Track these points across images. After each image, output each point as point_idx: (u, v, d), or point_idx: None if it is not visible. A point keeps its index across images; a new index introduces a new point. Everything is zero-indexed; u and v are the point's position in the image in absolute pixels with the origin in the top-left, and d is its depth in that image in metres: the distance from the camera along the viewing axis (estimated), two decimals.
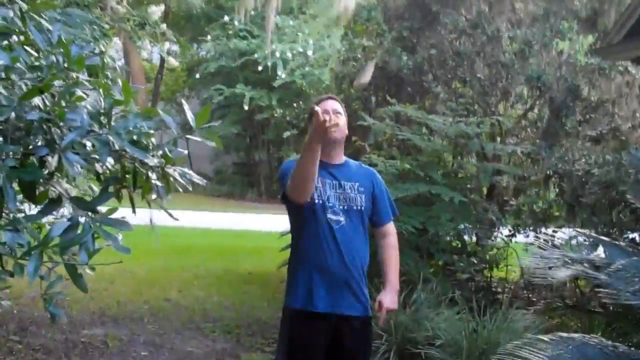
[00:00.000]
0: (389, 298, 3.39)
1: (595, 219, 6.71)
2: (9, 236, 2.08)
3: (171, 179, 2.42)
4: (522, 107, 9.12)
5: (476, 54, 8.72)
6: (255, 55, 22.50)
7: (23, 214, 2.70)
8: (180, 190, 2.54)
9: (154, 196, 2.51)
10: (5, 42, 2.57)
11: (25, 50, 2.44)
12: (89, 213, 2.14)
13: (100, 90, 2.38)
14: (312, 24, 19.71)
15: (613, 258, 4.27)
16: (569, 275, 4.51)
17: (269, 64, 21.76)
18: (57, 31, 2.46)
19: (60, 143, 2.12)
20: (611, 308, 5.34)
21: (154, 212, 2.69)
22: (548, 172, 7.76)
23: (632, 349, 3.84)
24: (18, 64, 2.27)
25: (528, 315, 5.73)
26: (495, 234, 7.65)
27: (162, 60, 24.42)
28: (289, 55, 22.31)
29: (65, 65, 2.27)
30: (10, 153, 2.09)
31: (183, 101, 2.80)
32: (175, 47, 25.64)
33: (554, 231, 7.02)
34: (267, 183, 24.35)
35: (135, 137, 2.27)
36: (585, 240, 5.67)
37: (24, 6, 2.64)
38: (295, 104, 22.57)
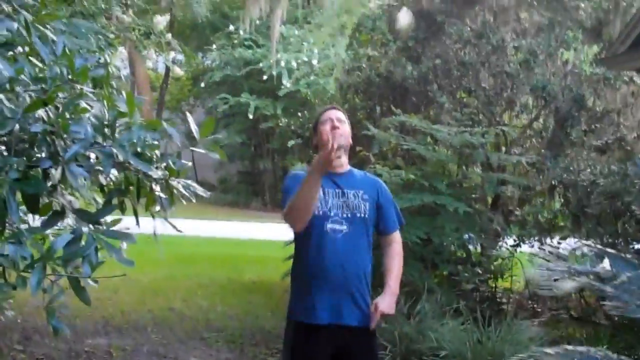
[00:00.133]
0: (386, 302, 3.36)
1: (600, 230, 6.68)
2: (12, 249, 2.07)
3: (175, 191, 2.41)
4: (527, 117, 9.10)
5: (481, 64, 8.71)
6: (260, 65, 22.55)
7: (27, 225, 2.69)
8: (184, 202, 2.53)
9: (157, 208, 2.51)
10: (10, 53, 2.57)
11: (30, 62, 2.44)
12: (92, 225, 2.14)
13: (105, 101, 2.38)
14: (317, 33, 19.72)
15: (619, 270, 4.24)
16: (574, 287, 4.49)
17: (274, 73, 21.79)
18: (62, 42, 2.46)
19: (64, 155, 2.12)
20: (616, 320, 5.31)
21: (157, 221, 2.69)
22: (553, 182, 7.73)
23: None
24: (22, 76, 2.27)
25: (533, 327, 5.71)
26: (500, 244, 7.62)
27: (167, 69, 24.56)
28: (294, 64, 22.36)
29: (70, 77, 2.27)
30: (14, 165, 2.09)
31: (187, 113, 2.79)
32: (181, 56, 25.68)
33: (558, 242, 7.00)
34: (271, 192, 24.34)
35: (139, 149, 2.26)
36: (590, 251, 5.65)
37: (29, 17, 2.64)
38: (300, 113, 22.57)
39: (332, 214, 3.34)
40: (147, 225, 2.62)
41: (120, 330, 6.79)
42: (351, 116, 3.84)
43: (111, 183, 2.51)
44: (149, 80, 24.96)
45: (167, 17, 13.17)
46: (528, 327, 5.62)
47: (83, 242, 2.12)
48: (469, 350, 5.11)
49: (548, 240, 7.28)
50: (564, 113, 8.21)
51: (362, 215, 3.41)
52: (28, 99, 2.24)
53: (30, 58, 2.51)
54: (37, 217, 2.43)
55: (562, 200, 7.88)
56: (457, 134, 7.16)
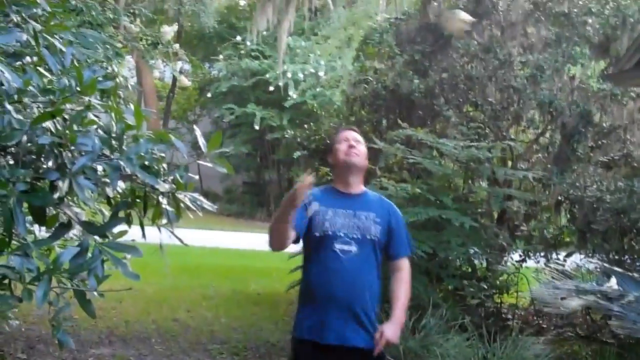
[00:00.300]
0: (392, 330, 3.34)
1: (606, 246, 6.66)
2: (18, 261, 2.07)
3: (182, 204, 2.41)
4: (533, 131, 9.09)
5: (488, 78, 8.70)
6: (267, 75, 22.58)
7: (33, 236, 2.69)
8: (191, 216, 2.52)
9: (164, 221, 2.50)
10: (19, 63, 2.57)
11: (38, 72, 2.44)
12: (99, 238, 2.13)
13: (112, 113, 2.38)
14: (324, 45, 19.75)
15: (626, 289, 4.22)
16: (581, 305, 4.46)
17: (281, 84, 21.80)
18: (70, 53, 2.46)
19: (71, 167, 2.12)
20: (623, 338, 5.27)
21: (163, 231, 2.68)
22: (559, 198, 7.72)
23: None
24: (30, 87, 2.27)
25: (538, 344, 5.67)
26: (505, 259, 7.59)
27: (174, 79, 24.59)
28: (301, 75, 22.37)
29: (78, 88, 2.26)
30: (21, 177, 2.08)
31: (195, 127, 2.79)
32: (188, 66, 25.82)
33: (564, 258, 6.97)
34: (276, 203, 24.27)
35: (146, 163, 2.26)
36: (597, 269, 5.63)
37: (38, 27, 2.64)
38: (306, 125, 22.53)
39: (341, 234, 3.34)
40: (153, 234, 2.61)
41: (124, 341, 6.77)
42: (357, 128, 3.86)
43: (118, 195, 2.51)
44: (155, 89, 25.02)
45: (175, 27, 13.23)
46: (533, 343, 5.58)
47: (89, 255, 2.12)
48: None
49: (554, 256, 7.25)
50: (570, 128, 8.20)
51: (372, 237, 3.40)
52: (36, 111, 2.23)
53: (39, 68, 2.51)
54: (42, 228, 2.42)
55: (568, 216, 7.86)
56: (463, 148, 7.15)
